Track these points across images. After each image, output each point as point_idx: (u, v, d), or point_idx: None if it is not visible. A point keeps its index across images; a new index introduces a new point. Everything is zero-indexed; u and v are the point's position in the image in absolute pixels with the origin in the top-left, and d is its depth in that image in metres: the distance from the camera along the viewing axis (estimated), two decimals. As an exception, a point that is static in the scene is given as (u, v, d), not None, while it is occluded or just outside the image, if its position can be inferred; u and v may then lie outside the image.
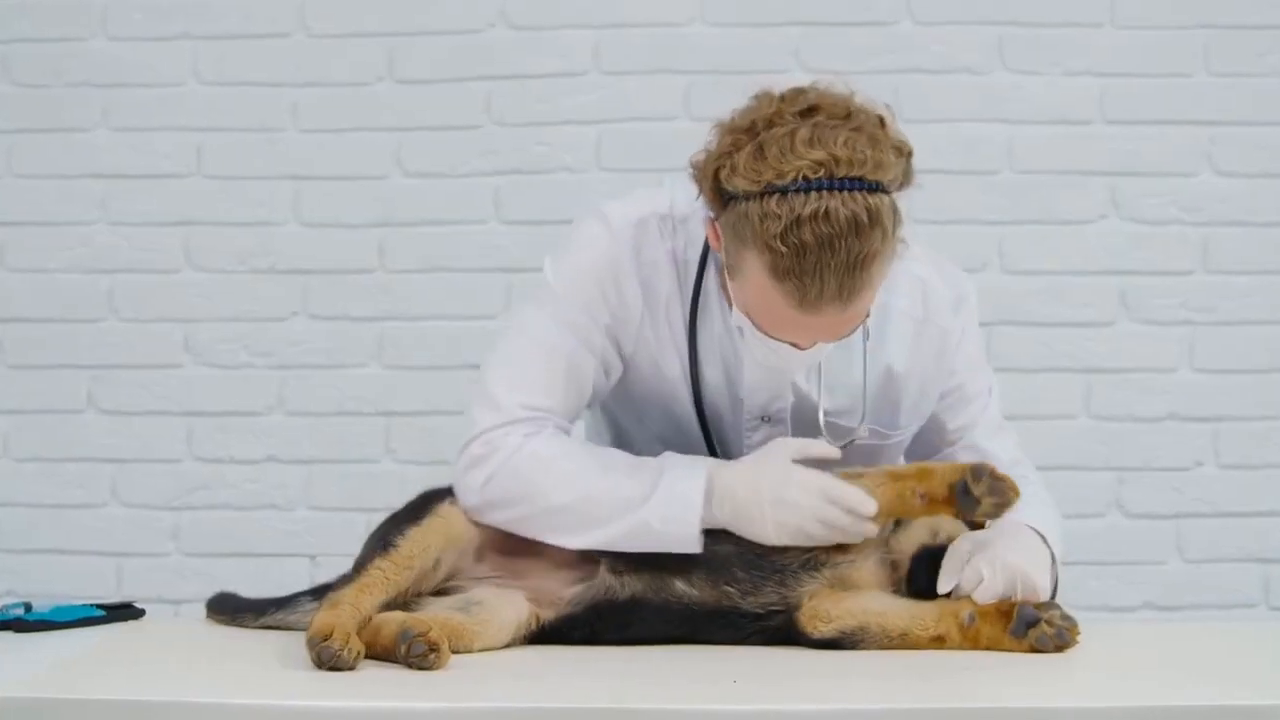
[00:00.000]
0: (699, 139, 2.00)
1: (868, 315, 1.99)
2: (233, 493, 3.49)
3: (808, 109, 1.92)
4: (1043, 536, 2.08)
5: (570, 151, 3.46)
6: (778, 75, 3.38)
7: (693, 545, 2.03)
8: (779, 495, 2.01)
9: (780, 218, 1.87)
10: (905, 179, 1.95)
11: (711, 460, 2.08)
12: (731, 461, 2.09)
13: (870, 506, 2.00)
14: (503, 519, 2.07)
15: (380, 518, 2.16)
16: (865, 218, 1.87)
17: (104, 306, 3.51)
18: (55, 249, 3.51)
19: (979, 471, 1.99)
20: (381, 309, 3.49)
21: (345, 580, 2.00)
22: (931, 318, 2.15)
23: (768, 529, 2.01)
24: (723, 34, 3.44)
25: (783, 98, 1.95)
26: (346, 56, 3.49)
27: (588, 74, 3.47)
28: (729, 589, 2.03)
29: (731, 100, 1.99)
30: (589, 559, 2.06)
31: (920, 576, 2.04)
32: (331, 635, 1.85)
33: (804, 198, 1.87)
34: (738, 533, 2.03)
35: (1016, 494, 1.99)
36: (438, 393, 3.45)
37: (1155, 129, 3.43)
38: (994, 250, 3.44)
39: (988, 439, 2.22)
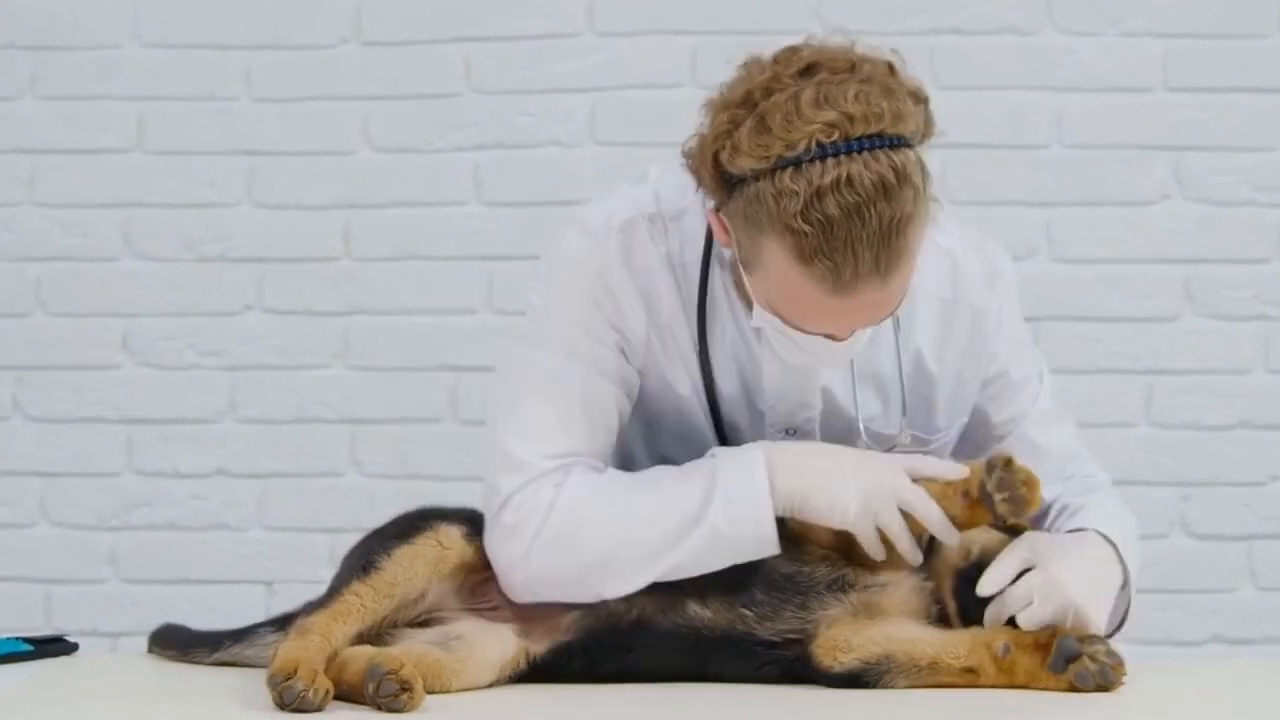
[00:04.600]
0: (706, 109, 2.00)
1: (907, 292, 1.99)
2: (178, 511, 3.49)
3: (806, 68, 1.92)
4: (1116, 548, 2.08)
5: (560, 123, 3.46)
6: (795, 38, 3.40)
7: (770, 545, 2.02)
8: (869, 466, 2.01)
9: (798, 194, 1.87)
10: (926, 129, 1.95)
11: (763, 443, 2.08)
12: (786, 443, 2.09)
13: (961, 471, 1.99)
14: (559, 590, 2.05)
15: (346, 539, 2.16)
16: (893, 178, 1.87)
17: (31, 299, 3.51)
18: (-24, 234, 3.52)
19: (991, 464, 1.98)
20: (347, 302, 3.49)
21: (316, 605, 1.99)
22: (962, 297, 2.15)
23: (849, 500, 2.00)
24: (734, -10, 3.45)
25: (776, 60, 1.95)
26: (307, 16, 3.49)
27: (580, 35, 3.47)
28: (745, 612, 2.04)
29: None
30: None
31: (969, 605, 2.04)
32: (296, 672, 1.85)
33: (821, 166, 1.87)
34: (806, 516, 2.02)
35: (1033, 488, 1.97)
36: (410, 397, 3.45)
37: (1225, 97, 3.43)
38: (1041, 235, 3.44)
39: (1041, 431, 2.21)
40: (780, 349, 2.04)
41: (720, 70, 2.02)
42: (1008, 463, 1.97)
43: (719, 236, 1.99)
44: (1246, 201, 3.43)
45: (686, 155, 1.97)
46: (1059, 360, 3.39)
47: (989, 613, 2.01)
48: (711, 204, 1.98)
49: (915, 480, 2.02)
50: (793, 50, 1.95)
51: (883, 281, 1.91)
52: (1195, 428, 3.43)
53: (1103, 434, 3.41)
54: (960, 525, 2.02)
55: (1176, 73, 3.43)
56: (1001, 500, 1.97)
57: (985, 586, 2.00)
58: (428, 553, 2.04)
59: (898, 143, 1.89)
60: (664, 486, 2.06)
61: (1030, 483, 1.97)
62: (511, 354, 2.14)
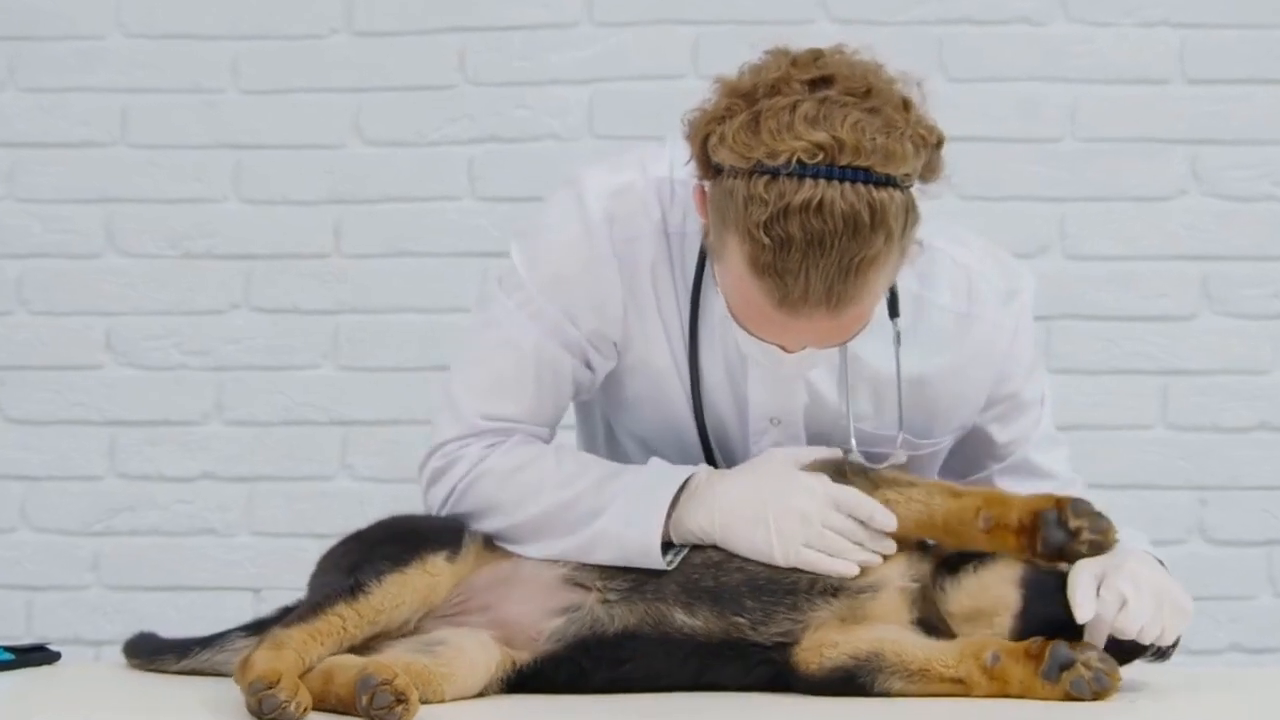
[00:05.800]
0: (708, 102, 2.01)
1: (867, 323, 2.00)
2: (162, 515, 3.49)
3: (821, 79, 1.92)
4: (1160, 561, 2.10)
5: (558, 116, 3.46)
6: (800, 28, 3.41)
7: (654, 558, 2.05)
8: (785, 504, 2.03)
9: (766, 204, 1.88)
10: (930, 172, 1.96)
11: (702, 466, 2.12)
12: (725, 470, 2.12)
13: (889, 521, 2.03)
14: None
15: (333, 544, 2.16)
16: (866, 216, 1.88)
17: (11, 298, 3.51)
18: (-45, 230, 3.52)
19: (1080, 506, 2.01)
20: (337, 300, 3.49)
21: (296, 616, 1.99)
22: (977, 312, 2.16)
23: (772, 543, 2.03)
24: (737, -22, 3.45)
25: (795, 61, 1.95)
26: (296, 5, 3.49)
27: (579, 25, 3.47)
28: (739, 619, 2.04)
29: (745, 57, 2.00)
30: (575, 587, 2.07)
31: (1036, 606, 2.05)
32: (279, 683, 1.84)
33: (796, 184, 1.88)
34: (731, 549, 2.06)
35: (1116, 538, 2.01)
36: (402, 398, 3.45)
37: (1243, 89, 3.43)
38: (1054, 231, 3.44)
39: (1043, 454, 2.24)
40: (741, 340, 2.05)
41: (722, 60, 2.02)
42: (1097, 512, 2.01)
43: (699, 211, 2.01)
44: (1266, 197, 3.43)
45: (686, 124, 1.98)
46: (1072, 361, 3.40)
47: (1089, 630, 2.01)
48: (696, 179, 1.99)
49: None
50: (816, 55, 1.96)
51: (831, 313, 1.92)
52: (1213, 430, 3.43)
53: (1117, 436, 3.41)
54: (951, 545, 2.07)
55: (1194, 64, 3.43)
56: (1092, 540, 2.00)
57: (1082, 613, 1.99)
58: (419, 582, 2.04)
59: (884, 181, 1.89)
60: (583, 478, 2.11)
61: (1115, 533, 2.02)
62: (486, 299, 2.20)
